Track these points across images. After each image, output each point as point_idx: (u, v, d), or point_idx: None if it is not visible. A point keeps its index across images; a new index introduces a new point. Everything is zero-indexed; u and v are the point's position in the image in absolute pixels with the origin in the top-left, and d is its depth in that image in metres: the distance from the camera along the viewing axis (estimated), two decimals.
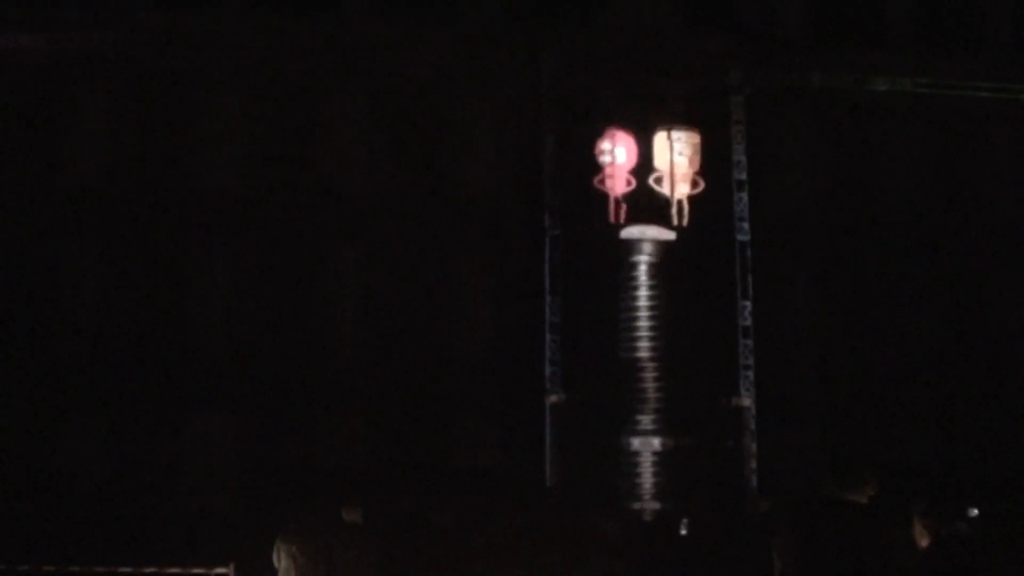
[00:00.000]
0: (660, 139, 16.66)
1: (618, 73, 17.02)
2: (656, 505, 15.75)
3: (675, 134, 16.66)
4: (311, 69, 16.51)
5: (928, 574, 10.95)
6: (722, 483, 16.01)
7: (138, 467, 14.74)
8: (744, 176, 17.30)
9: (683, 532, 14.23)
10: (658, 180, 16.52)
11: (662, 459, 15.98)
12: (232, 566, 11.97)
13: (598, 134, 16.61)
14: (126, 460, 14.90)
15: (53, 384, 15.40)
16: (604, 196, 16.26)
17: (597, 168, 16.31)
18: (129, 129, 16.33)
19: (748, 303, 16.94)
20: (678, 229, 16.40)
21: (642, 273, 16.36)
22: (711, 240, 16.69)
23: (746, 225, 17.21)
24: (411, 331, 15.78)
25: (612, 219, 16.25)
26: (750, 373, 16.71)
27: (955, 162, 18.11)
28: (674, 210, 16.43)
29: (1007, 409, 17.27)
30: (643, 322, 16.22)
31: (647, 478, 15.85)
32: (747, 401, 16.66)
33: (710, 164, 16.72)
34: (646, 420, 16.05)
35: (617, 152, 16.40)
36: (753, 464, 16.45)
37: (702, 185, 16.64)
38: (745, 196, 17.28)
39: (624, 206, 16.28)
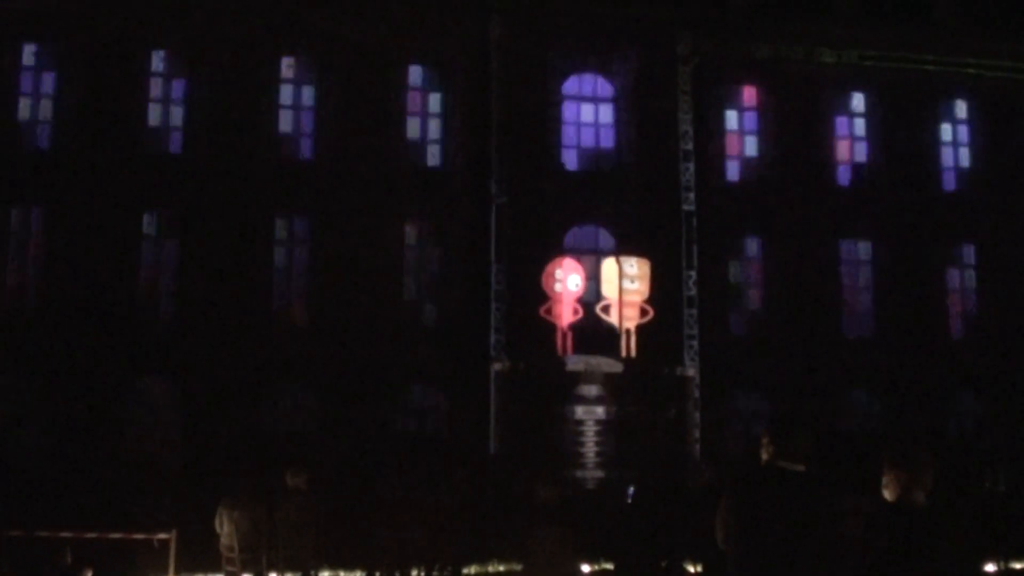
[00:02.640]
0: (609, 266, 16.68)
1: (567, 37, 17.17)
2: (600, 473, 15.96)
3: (625, 261, 16.68)
4: (257, 32, 16.37)
5: (874, 540, 11.20)
6: (666, 452, 16.21)
7: (81, 434, 14.67)
8: (691, 146, 17.46)
9: (628, 500, 14.42)
10: (606, 309, 16.55)
11: (606, 427, 16.18)
12: (174, 532, 11.98)
13: (549, 106, 16.76)
14: (69, 427, 14.79)
15: None
16: (551, 325, 16.27)
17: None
18: (72, 92, 16.15)
19: (693, 273, 17.13)
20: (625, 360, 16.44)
21: None
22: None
23: (692, 195, 17.38)
24: (357, 299, 15.75)
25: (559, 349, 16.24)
26: (694, 343, 16.95)
27: (901, 133, 18.33)
28: (622, 340, 16.53)
29: (949, 375, 17.59)
30: None
31: (591, 447, 16.05)
32: (691, 371, 16.91)
33: (660, 284, 16.75)
34: (590, 388, 16.24)
35: (569, 280, 16.34)
36: (697, 433, 16.71)
37: (651, 313, 16.63)
38: (692, 166, 17.44)
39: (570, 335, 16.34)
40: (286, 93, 16.72)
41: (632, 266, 16.64)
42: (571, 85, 17.50)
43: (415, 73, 16.97)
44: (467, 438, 15.29)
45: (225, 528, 12.37)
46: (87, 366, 15.20)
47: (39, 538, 12.12)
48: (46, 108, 16.24)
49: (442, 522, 13.77)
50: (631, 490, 14.94)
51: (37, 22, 15.99)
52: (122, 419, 14.81)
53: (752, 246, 18.23)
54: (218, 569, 12.23)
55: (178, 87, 16.46)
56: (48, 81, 16.27)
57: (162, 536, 11.97)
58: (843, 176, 18.55)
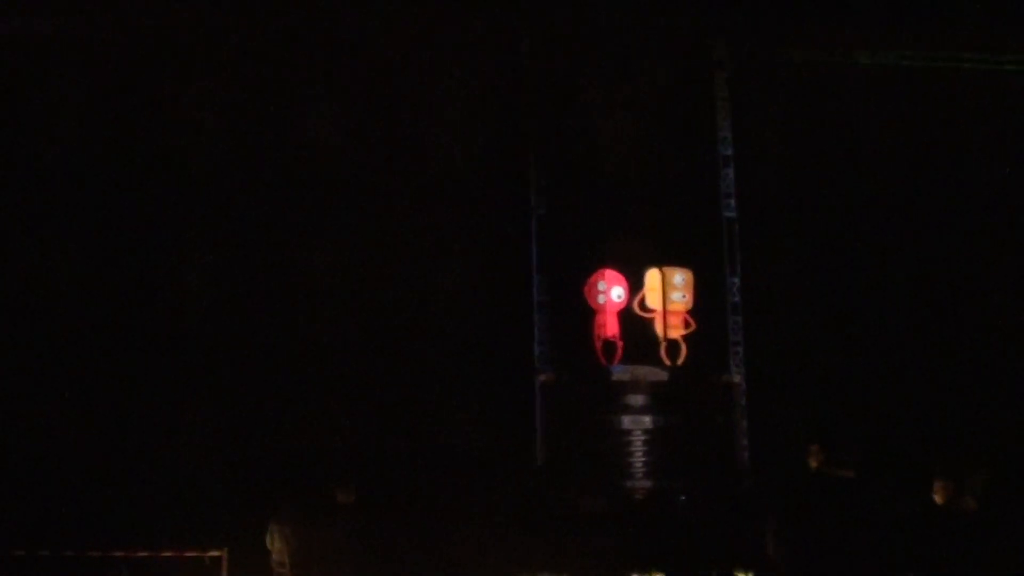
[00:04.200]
0: (652, 276, 16.64)
1: (601, 46, 17.28)
2: (648, 483, 15.98)
3: (668, 270, 16.67)
4: (285, 48, 16.53)
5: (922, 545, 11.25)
6: (713, 461, 16.23)
7: (131, 453, 14.88)
8: (730, 152, 17.50)
9: (678, 510, 14.51)
10: (650, 319, 16.50)
11: (652, 437, 16.21)
12: (226, 550, 12.19)
13: (585, 115, 16.85)
14: (119, 446, 15.01)
15: (44, 370, 15.49)
16: (595, 336, 16.29)
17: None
18: (103, 115, 16.31)
19: (736, 280, 17.15)
20: (671, 369, 16.40)
21: None
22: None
23: (732, 202, 17.43)
24: (397, 313, 15.89)
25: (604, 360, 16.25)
26: (740, 350, 16.96)
27: (941, 135, 18.29)
28: (667, 349, 16.47)
29: (995, 384, 17.51)
30: None
31: (638, 456, 16.08)
32: (737, 378, 16.91)
33: (704, 289, 16.77)
34: (636, 398, 16.29)
35: (612, 291, 16.37)
36: (744, 441, 16.71)
37: (695, 322, 16.63)
38: (731, 172, 17.49)
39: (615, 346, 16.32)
40: (320, 109, 16.83)
41: (676, 275, 16.68)
42: (607, 94, 17.57)
43: (450, 87, 17.06)
44: (512, 451, 15.36)
45: (276, 545, 12.60)
46: (136, 385, 15.45)
47: (91, 558, 12.37)
48: (75, 129, 16.50)
49: (489, 534, 13.88)
50: (681, 499, 15.02)
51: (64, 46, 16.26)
52: (171, 438, 14.99)
53: (796, 251, 18.21)
54: None
55: (207, 106, 16.60)
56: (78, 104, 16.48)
57: (214, 554, 12.20)
58: (883, 179, 18.51)
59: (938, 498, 11.77)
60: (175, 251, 15.98)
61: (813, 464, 13.90)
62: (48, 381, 15.52)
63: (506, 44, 16.65)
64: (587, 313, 16.22)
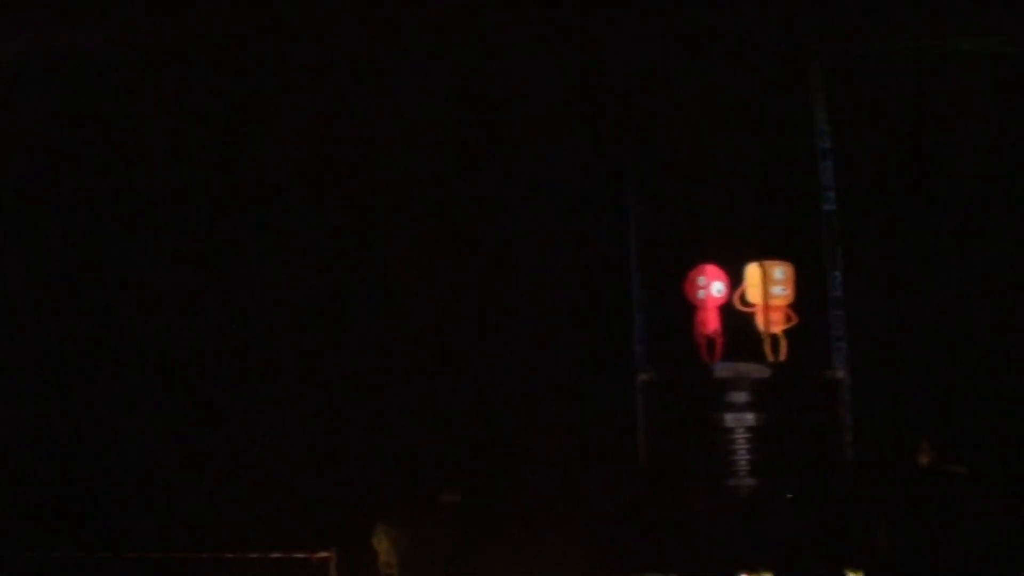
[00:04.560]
0: (753, 271, 16.36)
1: (693, 38, 17.14)
2: (752, 481, 15.81)
3: (768, 264, 16.37)
4: (372, 50, 16.61)
5: None
6: (817, 458, 16.04)
7: (241, 455, 15.10)
8: (827, 144, 17.28)
9: (784, 508, 14.37)
10: (751, 314, 16.25)
11: (756, 434, 16.03)
12: (334, 551, 12.32)
13: (682, 109, 16.73)
14: (229, 448, 15.25)
15: (149, 372, 15.83)
16: (697, 333, 16.10)
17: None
18: (192, 125, 16.48)
19: (838, 274, 16.92)
20: (773, 365, 16.14)
21: None
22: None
23: (831, 195, 17.21)
24: (498, 313, 15.92)
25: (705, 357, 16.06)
26: (843, 345, 16.72)
27: None
28: (769, 345, 16.23)
29: None
30: None
31: (742, 454, 15.91)
32: (840, 373, 16.68)
33: (805, 283, 16.48)
34: (738, 395, 16.13)
35: (712, 287, 16.10)
36: (849, 438, 16.48)
37: (797, 317, 16.32)
38: (830, 165, 17.26)
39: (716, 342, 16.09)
40: (415, 111, 16.89)
41: (776, 270, 16.45)
42: (703, 89, 17.43)
43: (545, 85, 17.02)
44: (614, 451, 15.31)
45: (383, 545, 12.72)
46: (240, 386, 15.69)
47: (203, 559, 12.56)
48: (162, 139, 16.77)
49: (594, 535, 13.86)
50: (788, 497, 14.85)
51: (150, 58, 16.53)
52: (279, 439, 15.19)
53: (898, 243, 17.93)
54: None
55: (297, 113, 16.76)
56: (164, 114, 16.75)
57: (322, 555, 12.34)
58: (987, 168, 18.15)
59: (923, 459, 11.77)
60: (276, 251, 16.16)
61: (923, 461, 13.67)
62: (158, 383, 15.82)
63: (600, 40, 16.58)
64: (687, 310, 16.07)
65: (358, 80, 16.41)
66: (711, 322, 16.25)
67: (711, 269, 16.43)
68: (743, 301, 16.56)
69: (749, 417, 16.15)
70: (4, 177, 16.37)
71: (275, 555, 12.41)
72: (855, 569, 14.10)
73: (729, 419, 16.01)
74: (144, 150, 16.44)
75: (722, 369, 16.02)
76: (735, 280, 16.52)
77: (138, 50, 16.30)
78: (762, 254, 16.67)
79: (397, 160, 16.19)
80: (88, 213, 16.18)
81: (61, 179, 16.24)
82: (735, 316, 16.52)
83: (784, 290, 16.65)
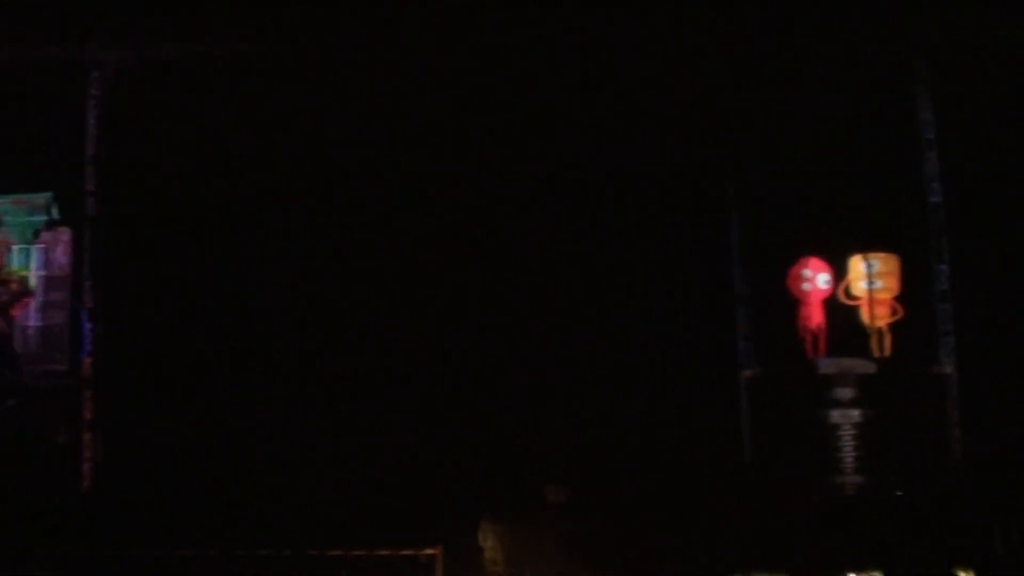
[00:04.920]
0: (857, 263, 16.22)
1: (794, 33, 16.94)
2: (858, 479, 15.61)
3: (872, 257, 16.23)
4: (485, 51, 16.65)
5: None
6: (925, 455, 15.81)
7: (347, 452, 15.27)
8: (932, 135, 16.99)
9: (893, 506, 14.19)
10: (855, 308, 16.10)
11: (862, 431, 15.83)
12: (440, 548, 12.40)
13: (783, 101, 16.57)
14: (335, 445, 15.43)
15: (251, 371, 16.06)
16: (801, 328, 16.04)
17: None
18: (283, 130, 16.59)
19: (944, 267, 16.63)
20: (879, 360, 15.97)
21: None
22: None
23: (937, 186, 16.92)
24: (599, 310, 15.88)
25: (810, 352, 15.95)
26: (950, 339, 16.44)
27: None
28: (875, 339, 16.05)
29: None
30: None
31: (848, 451, 15.71)
32: (948, 368, 16.40)
33: (911, 276, 16.33)
34: (844, 391, 15.93)
35: (816, 280, 16.04)
36: (957, 434, 16.21)
37: (902, 311, 16.16)
38: (934, 156, 16.97)
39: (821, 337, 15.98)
40: (516, 107, 16.89)
41: (881, 262, 16.27)
42: (804, 79, 17.23)
43: (644, 75, 16.91)
44: (719, 448, 15.21)
45: (489, 543, 12.77)
46: (344, 384, 15.75)
47: (311, 556, 12.73)
48: (253, 145, 16.99)
49: (700, 534, 13.81)
50: (897, 494, 14.66)
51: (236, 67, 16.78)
52: (384, 437, 15.32)
53: (1006, 235, 17.57)
54: None
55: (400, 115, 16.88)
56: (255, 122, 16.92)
57: (429, 552, 12.42)
58: None
59: None
60: (380, 250, 16.28)
61: None
62: (258, 383, 16.03)
63: (700, 34, 16.45)
64: (791, 305, 15.95)
65: (462, 80, 16.53)
66: (815, 316, 16.10)
67: (815, 262, 16.27)
68: (847, 294, 16.39)
69: (855, 414, 15.97)
70: (123, 182, 16.87)
71: (382, 552, 12.54)
72: (966, 568, 13.87)
73: (835, 416, 15.84)
74: (260, 155, 16.78)
75: (827, 365, 15.85)
76: (839, 273, 16.37)
77: (250, 57, 16.74)
78: (867, 246, 16.53)
79: (503, 157, 16.26)
80: (206, 216, 16.49)
81: (179, 183, 16.62)
82: (839, 310, 16.36)
83: (889, 283, 16.49)
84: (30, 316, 16.77)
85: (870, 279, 16.21)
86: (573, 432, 15.04)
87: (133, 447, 16.05)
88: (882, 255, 16.37)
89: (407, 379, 15.62)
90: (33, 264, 16.75)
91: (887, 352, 16.10)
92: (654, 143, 16.38)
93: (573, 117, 16.38)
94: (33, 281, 16.74)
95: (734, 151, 16.34)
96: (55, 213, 16.77)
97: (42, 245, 16.74)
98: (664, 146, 16.31)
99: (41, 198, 16.80)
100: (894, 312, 16.22)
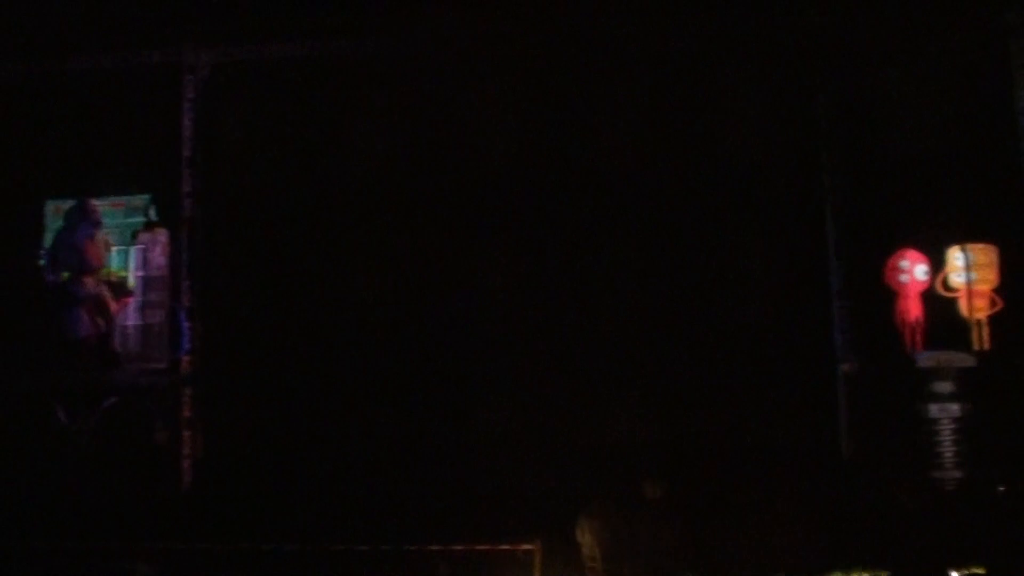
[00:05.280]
0: (955, 255, 16.00)
1: (886, 19, 16.75)
2: (958, 474, 15.40)
3: (971, 248, 15.98)
4: (577, 51, 16.69)
5: None
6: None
7: (446, 448, 15.42)
8: None
9: (994, 501, 13.99)
10: (953, 300, 15.90)
11: (962, 426, 15.60)
12: (538, 543, 12.46)
13: (876, 91, 16.38)
14: (434, 441, 15.64)
15: (348, 368, 16.32)
16: (898, 321, 15.85)
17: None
18: (390, 125, 16.86)
19: None
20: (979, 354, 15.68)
21: None
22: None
23: None
24: (695, 304, 15.85)
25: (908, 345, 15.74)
26: None
27: None
28: (974, 332, 15.82)
29: None
30: None
31: (947, 446, 15.51)
32: None
33: (1011, 267, 16.01)
34: (943, 385, 15.72)
35: (914, 271, 15.83)
36: None
37: (1001, 303, 15.88)
38: None
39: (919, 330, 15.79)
40: (609, 108, 16.88)
41: (979, 253, 16.02)
42: (898, 67, 17.01)
43: (732, 69, 16.83)
44: (817, 443, 15.10)
45: (587, 538, 12.81)
46: (441, 379, 15.98)
47: (408, 551, 12.86)
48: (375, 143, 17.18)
49: (799, 530, 13.72)
50: (999, 490, 14.44)
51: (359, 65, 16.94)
52: (481, 432, 15.47)
53: None
54: None
55: (503, 111, 16.96)
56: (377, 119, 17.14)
57: (526, 547, 12.49)
58: None
59: None
60: (482, 249, 16.44)
61: None
62: (365, 380, 16.23)
63: (797, 24, 16.33)
64: (888, 298, 15.77)
65: (574, 77, 16.58)
66: (913, 309, 15.91)
67: (912, 253, 16.08)
68: (945, 286, 16.20)
69: (954, 408, 15.72)
70: (219, 183, 17.20)
71: (480, 547, 12.64)
72: None
73: (934, 410, 15.60)
74: (353, 155, 17.01)
75: (925, 358, 15.65)
76: (936, 265, 16.18)
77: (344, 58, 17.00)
78: (965, 237, 16.32)
79: (599, 157, 16.30)
80: (301, 215, 16.79)
81: (273, 183, 16.95)
82: (937, 303, 16.17)
83: (988, 275, 16.23)
84: (129, 316, 17.23)
85: (968, 270, 16.03)
86: (671, 427, 15.06)
87: (231, 444, 16.45)
88: (980, 246, 16.13)
89: (505, 376, 15.81)
90: (132, 265, 17.25)
91: (986, 345, 15.85)
92: (749, 139, 16.34)
93: (669, 115, 16.41)
94: (132, 281, 17.25)
95: (829, 143, 16.22)
96: (153, 214, 17.25)
97: (140, 246, 17.21)
98: (759, 141, 16.26)
99: (139, 200, 17.28)
100: (993, 304, 15.97)
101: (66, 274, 17.12)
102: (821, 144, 16.14)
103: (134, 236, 17.14)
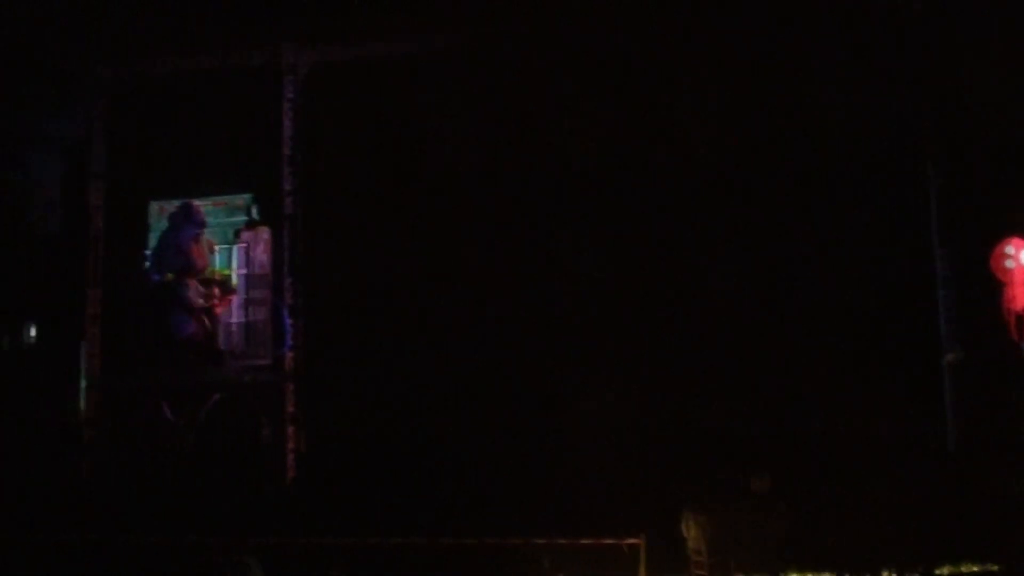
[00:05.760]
0: None
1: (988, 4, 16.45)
2: None
3: None
4: (659, 34, 16.68)
5: None
6: None
7: (551, 444, 15.57)
8: None
9: None
10: None
11: None
12: (643, 537, 12.51)
13: (976, 76, 16.09)
14: (531, 435, 15.83)
15: (451, 363, 16.50)
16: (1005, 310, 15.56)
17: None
18: (487, 123, 17.03)
19: None
20: None
21: None
22: None
23: None
24: (798, 294, 15.75)
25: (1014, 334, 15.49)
26: None
27: None
28: None
29: None
30: None
31: None
32: None
33: None
34: None
35: (1021, 258, 15.53)
36: None
37: None
38: None
39: None
40: (696, 92, 16.81)
41: None
42: (1001, 53, 16.70)
43: (832, 57, 16.67)
44: (922, 434, 14.94)
45: (692, 532, 12.82)
46: (544, 374, 16.09)
47: (513, 545, 12.99)
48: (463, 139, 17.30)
49: (909, 521, 13.60)
50: None
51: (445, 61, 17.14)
52: (585, 426, 15.57)
53: None
54: (687, 573, 12.67)
55: (592, 103, 17.02)
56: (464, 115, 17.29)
57: (631, 541, 12.55)
58: None
59: None
60: (580, 243, 16.51)
61: None
62: (468, 376, 16.38)
63: (900, 15, 16.14)
64: (994, 286, 15.53)
65: (667, 70, 16.58)
66: (1020, 297, 15.64)
67: (1018, 241, 15.83)
68: None
69: None
70: (319, 181, 17.48)
71: (585, 541, 12.72)
72: None
73: None
74: (452, 152, 17.21)
75: None
76: None
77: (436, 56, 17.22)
78: None
79: (703, 149, 16.29)
80: (402, 211, 17.00)
81: (373, 180, 17.20)
82: None
83: None
84: (233, 313, 17.64)
85: None
86: (775, 421, 15.00)
87: (335, 439, 16.75)
88: None
89: (608, 371, 15.84)
90: (235, 263, 17.63)
91: None
92: (853, 127, 16.16)
93: (772, 106, 16.31)
94: (235, 280, 17.62)
95: (933, 131, 16.00)
96: (255, 213, 17.63)
97: (243, 244, 17.61)
98: (863, 129, 16.08)
99: (241, 199, 17.66)
100: None
101: (170, 274, 17.68)
102: (925, 133, 15.96)
103: (237, 235, 17.58)
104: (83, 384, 17.83)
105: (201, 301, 17.35)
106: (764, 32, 16.24)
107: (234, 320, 17.47)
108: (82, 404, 17.81)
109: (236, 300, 17.45)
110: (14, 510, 15.73)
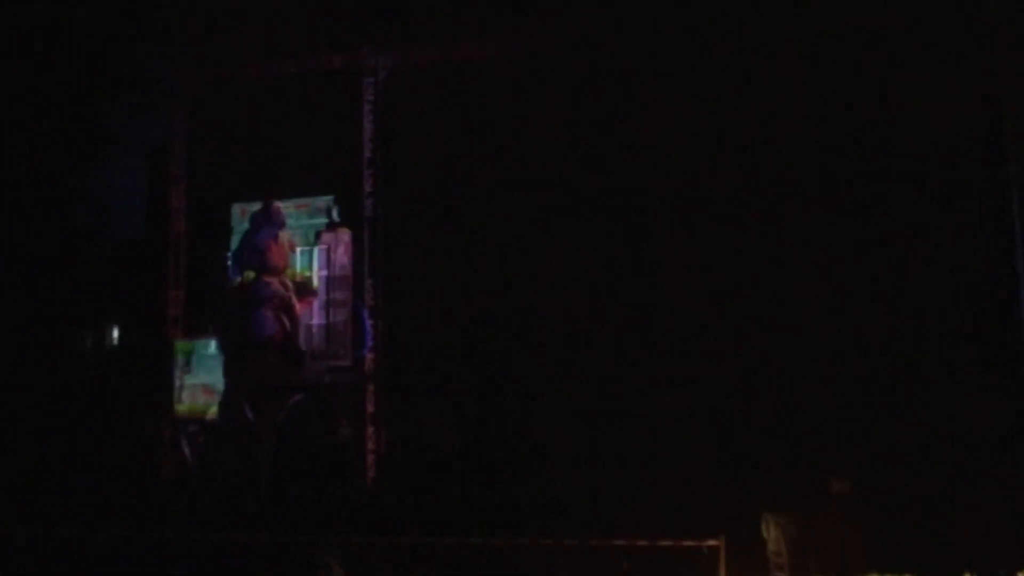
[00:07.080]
0: None
1: None
2: None
3: None
4: (750, 37, 16.83)
5: None
6: None
7: (633, 447, 15.89)
8: None
9: None
10: None
11: None
12: (723, 539, 12.62)
13: None
14: (611, 436, 16.11)
15: (529, 365, 16.83)
16: None
17: None
18: (583, 122, 17.35)
19: None
20: None
21: None
22: None
23: None
24: (878, 297, 15.82)
25: None
26: None
27: None
28: None
29: None
30: None
31: None
32: None
33: None
34: None
35: None
36: None
37: None
38: None
39: None
40: (786, 93, 16.89)
41: None
42: None
43: (917, 56, 16.67)
44: (1006, 436, 14.88)
45: (772, 534, 12.93)
46: (622, 379, 16.35)
47: (593, 546, 13.15)
48: (557, 140, 17.59)
49: (994, 524, 13.55)
50: None
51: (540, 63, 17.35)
52: (666, 429, 15.74)
53: None
54: (767, 575, 12.78)
55: (682, 105, 17.21)
56: (558, 115, 17.61)
57: (711, 543, 12.67)
58: None
59: None
60: (663, 244, 16.78)
61: None
62: (547, 377, 16.72)
63: (975, 6, 16.10)
64: None
65: (757, 70, 16.75)
66: None
67: None
68: None
69: None
70: (399, 184, 17.86)
71: (665, 543, 12.83)
72: None
73: None
74: (532, 155, 17.59)
75: None
76: None
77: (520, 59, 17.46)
78: None
79: (787, 149, 16.42)
80: (481, 214, 17.41)
81: (452, 183, 17.64)
82: None
83: None
84: (314, 315, 18.05)
85: None
86: (857, 423, 15.03)
87: (414, 439, 17.08)
88: None
89: (688, 373, 16.08)
90: (315, 265, 18.05)
91: None
92: (933, 123, 16.16)
93: (855, 106, 16.37)
94: (316, 281, 18.03)
95: (1014, 126, 15.93)
96: (335, 215, 18.02)
97: (324, 246, 18.01)
98: (944, 125, 16.08)
99: (322, 201, 18.09)
100: None
101: (251, 275, 18.20)
102: (1006, 132, 15.90)
103: (317, 236, 17.99)
104: (176, 384, 18.42)
105: (282, 302, 17.77)
106: (854, 39, 16.34)
107: (315, 321, 17.89)
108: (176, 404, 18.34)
109: (317, 302, 17.88)
110: (97, 508, 16.13)
